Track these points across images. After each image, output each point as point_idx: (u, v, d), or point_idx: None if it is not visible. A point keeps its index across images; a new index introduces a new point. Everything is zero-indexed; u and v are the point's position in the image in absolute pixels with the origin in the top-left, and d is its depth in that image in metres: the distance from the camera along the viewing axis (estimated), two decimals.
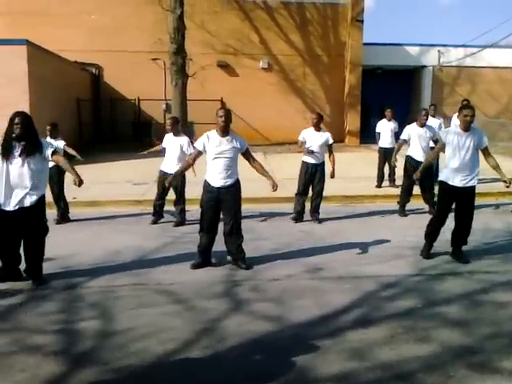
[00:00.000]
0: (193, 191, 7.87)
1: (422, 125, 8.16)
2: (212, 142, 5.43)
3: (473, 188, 5.83)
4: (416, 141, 8.11)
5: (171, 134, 7.77)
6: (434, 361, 3.58)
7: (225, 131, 5.43)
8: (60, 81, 15.52)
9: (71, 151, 8.13)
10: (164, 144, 7.84)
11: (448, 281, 5.24)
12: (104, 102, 19.93)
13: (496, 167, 5.90)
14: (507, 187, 5.91)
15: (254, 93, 19.93)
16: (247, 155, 5.61)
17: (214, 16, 19.49)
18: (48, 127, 7.75)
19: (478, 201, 9.16)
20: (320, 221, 7.88)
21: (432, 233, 5.98)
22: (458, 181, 5.73)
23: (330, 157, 7.87)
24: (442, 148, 5.93)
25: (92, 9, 19.05)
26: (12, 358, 3.59)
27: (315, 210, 7.98)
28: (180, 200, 7.80)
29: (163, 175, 7.67)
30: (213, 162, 5.44)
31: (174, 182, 7.67)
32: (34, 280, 5.10)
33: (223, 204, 5.51)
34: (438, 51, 22.42)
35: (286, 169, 11.22)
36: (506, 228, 7.46)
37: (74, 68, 18.26)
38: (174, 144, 7.67)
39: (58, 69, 15.61)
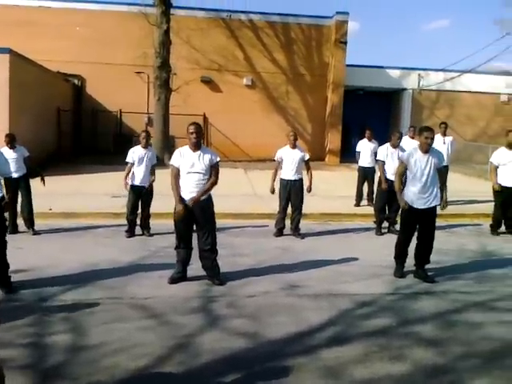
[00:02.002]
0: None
1: (395, 146, 8.33)
2: (184, 157, 5.43)
3: (435, 208, 5.95)
4: (389, 160, 8.29)
5: (139, 146, 7.85)
6: (407, 380, 3.60)
7: (196, 146, 5.43)
8: (41, 90, 15.40)
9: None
10: (133, 157, 7.77)
11: (422, 300, 5.28)
12: (86, 114, 19.81)
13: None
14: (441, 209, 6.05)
15: (237, 109, 20.04)
16: (212, 168, 5.53)
17: (200, 32, 19.64)
18: (5, 138, 7.60)
19: (453, 221, 9.39)
20: (303, 236, 7.96)
21: (400, 254, 6.09)
22: (421, 203, 5.84)
23: (307, 172, 8.03)
24: (403, 170, 6.01)
25: (78, 21, 19.04)
26: None
27: (296, 228, 8.05)
28: (148, 211, 7.99)
29: (138, 190, 7.72)
30: (186, 177, 5.43)
31: (146, 197, 7.76)
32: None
33: (197, 219, 5.49)
34: (419, 75, 22.91)
35: (266, 185, 11.25)
36: (481, 249, 7.56)
37: (57, 78, 18.15)
38: (145, 157, 7.76)
39: (39, 78, 15.49)
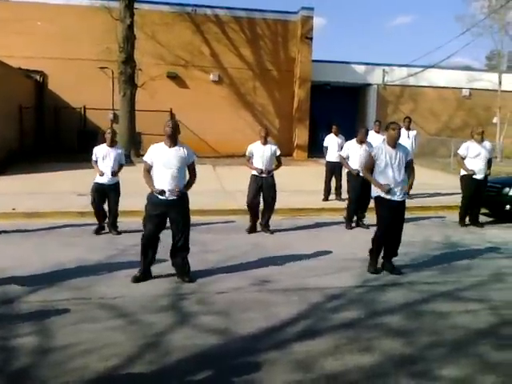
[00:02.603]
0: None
1: (362, 141, 8.47)
2: (159, 153, 5.37)
3: (404, 202, 6.01)
4: (355, 155, 8.42)
5: (104, 145, 7.73)
6: (376, 370, 3.65)
7: (172, 142, 5.39)
8: (2, 87, 14.89)
9: None
10: (96, 155, 7.70)
11: (390, 291, 5.38)
12: (48, 110, 19.32)
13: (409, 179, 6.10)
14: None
15: (204, 105, 19.91)
16: (190, 167, 5.54)
17: (165, 27, 19.39)
18: None
19: (418, 214, 9.59)
20: (272, 232, 7.98)
21: (378, 248, 6.07)
22: (393, 194, 5.87)
23: (277, 166, 7.99)
24: (372, 164, 5.97)
25: (39, 15, 18.51)
26: None
27: (266, 224, 8.06)
28: (116, 210, 7.86)
29: (101, 188, 7.63)
30: (160, 173, 5.36)
31: (115, 195, 7.65)
32: None
33: (172, 217, 5.44)
34: (383, 70, 23.26)
35: (235, 181, 11.25)
36: (445, 240, 7.76)
37: (17, 74, 17.62)
38: (110, 155, 7.65)
39: None
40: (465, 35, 40.27)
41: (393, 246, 6.05)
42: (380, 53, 70.30)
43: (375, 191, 6.03)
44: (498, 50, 24.67)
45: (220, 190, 11.68)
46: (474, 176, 8.50)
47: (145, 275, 5.52)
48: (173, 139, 5.38)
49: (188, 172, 5.56)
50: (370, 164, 6.02)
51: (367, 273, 5.99)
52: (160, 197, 5.33)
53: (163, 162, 5.33)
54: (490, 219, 9.52)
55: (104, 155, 7.62)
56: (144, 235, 5.53)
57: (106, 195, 7.71)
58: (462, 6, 54.60)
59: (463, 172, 8.73)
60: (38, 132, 19.11)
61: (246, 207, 8.12)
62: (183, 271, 5.56)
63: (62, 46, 18.51)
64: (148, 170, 5.49)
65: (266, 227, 8.05)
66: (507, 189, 9.16)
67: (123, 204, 7.99)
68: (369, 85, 23.49)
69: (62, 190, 10.77)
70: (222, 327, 4.35)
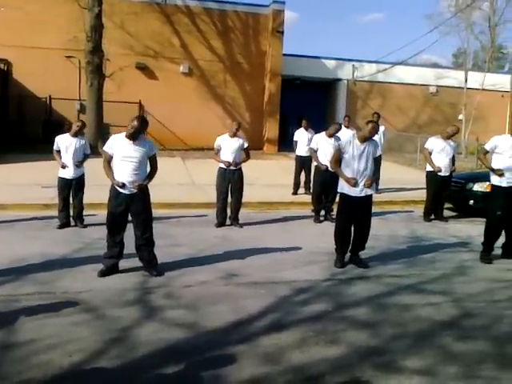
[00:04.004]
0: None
1: (331, 135, 8.54)
2: (120, 145, 5.27)
3: (370, 196, 6.04)
4: (324, 148, 8.49)
5: (67, 134, 7.53)
6: (342, 362, 3.70)
7: (133, 136, 5.22)
8: None
9: None
10: (60, 145, 7.48)
11: (357, 285, 5.45)
12: (13, 100, 18.77)
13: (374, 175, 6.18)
14: None
15: (174, 97, 19.70)
16: (151, 160, 5.46)
17: (134, 17, 19.05)
18: None
19: (384, 208, 9.75)
20: (241, 225, 7.98)
21: (341, 243, 6.11)
22: (357, 191, 5.88)
23: (245, 159, 7.95)
24: (339, 156, 5.97)
25: (4, 1, 17.91)
26: None
27: (235, 217, 8.04)
28: (81, 202, 7.71)
29: (66, 182, 7.50)
30: (120, 165, 5.27)
31: (80, 188, 7.50)
32: None
33: (133, 210, 5.37)
34: (353, 66, 23.49)
35: (204, 174, 11.19)
36: (411, 234, 7.92)
37: None
38: (73, 146, 7.47)
39: None
40: (433, 33, 41.16)
41: (360, 240, 6.13)
42: (351, 48, 71.06)
43: (340, 187, 6.05)
44: (464, 48, 25.25)
45: (189, 183, 11.60)
46: (439, 173, 8.68)
47: (111, 269, 5.44)
48: (135, 136, 5.23)
49: (149, 164, 5.48)
50: (338, 157, 6.02)
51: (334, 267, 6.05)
52: (121, 190, 5.26)
53: (123, 154, 5.23)
54: (454, 214, 9.75)
55: (67, 145, 7.43)
56: (109, 229, 5.44)
57: (70, 189, 7.56)
58: (431, 5, 55.70)
59: (429, 168, 8.90)
60: (1, 122, 18.53)
61: (215, 201, 8.10)
62: (150, 265, 5.50)
63: (28, 34, 17.98)
64: (108, 160, 5.39)
65: (235, 220, 8.05)
66: (471, 184, 9.38)
67: (89, 196, 7.85)
68: (339, 80, 23.68)
69: (26, 182, 10.51)
70: (190, 321, 4.33)
